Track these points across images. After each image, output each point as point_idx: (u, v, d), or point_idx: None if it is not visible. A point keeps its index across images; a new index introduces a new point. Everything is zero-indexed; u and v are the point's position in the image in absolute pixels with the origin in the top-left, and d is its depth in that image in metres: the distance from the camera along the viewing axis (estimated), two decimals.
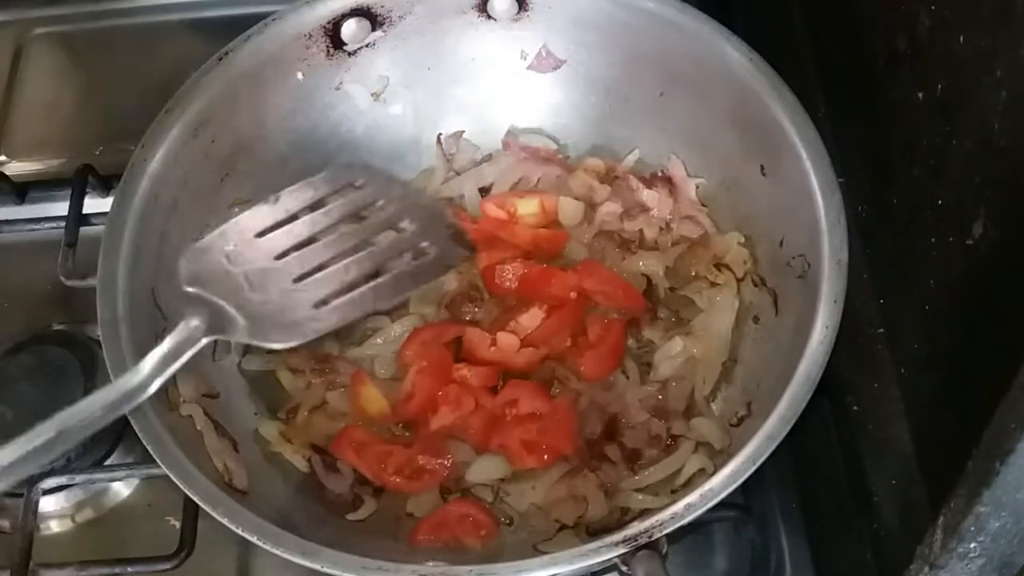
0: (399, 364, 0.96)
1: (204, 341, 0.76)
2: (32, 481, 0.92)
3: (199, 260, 0.80)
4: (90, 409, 0.71)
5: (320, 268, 0.81)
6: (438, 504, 0.90)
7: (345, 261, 0.81)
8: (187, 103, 0.92)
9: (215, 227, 0.81)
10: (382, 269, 0.82)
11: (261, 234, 0.81)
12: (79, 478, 0.94)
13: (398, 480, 0.90)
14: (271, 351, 0.96)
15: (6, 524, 0.97)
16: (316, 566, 0.75)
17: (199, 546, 0.87)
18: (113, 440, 0.99)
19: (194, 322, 0.76)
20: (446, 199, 1.05)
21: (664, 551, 0.74)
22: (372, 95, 1.03)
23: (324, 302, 0.80)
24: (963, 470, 0.52)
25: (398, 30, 1.00)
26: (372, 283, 0.81)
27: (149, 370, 0.74)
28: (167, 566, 0.86)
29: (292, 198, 0.83)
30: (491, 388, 0.93)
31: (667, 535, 0.74)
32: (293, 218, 0.82)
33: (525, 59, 1.04)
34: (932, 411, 0.73)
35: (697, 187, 1.00)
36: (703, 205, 1.00)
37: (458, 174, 1.06)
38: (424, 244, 0.82)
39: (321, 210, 0.83)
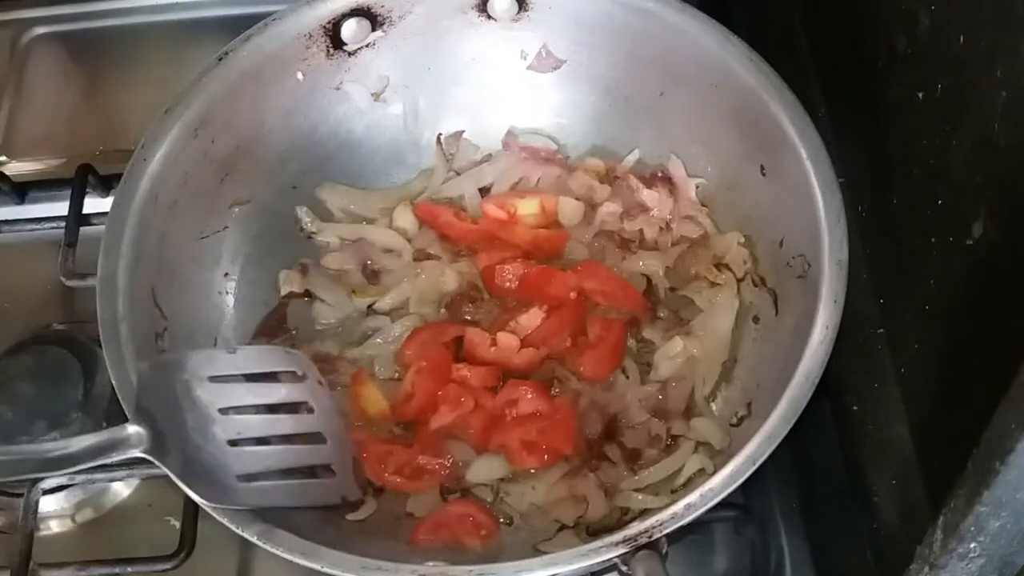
0: (399, 364, 0.96)
1: (137, 454, 0.75)
2: (32, 481, 0.92)
3: (155, 378, 0.80)
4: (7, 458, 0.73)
5: (251, 441, 0.82)
6: (438, 504, 0.90)
7: (273, 447, 0.83)
8: (187, 103, 0.92)
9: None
10: (293, 471, 0.84)
11: (213, 380, 0.82)
12: (79, 478, 0.94)
13: (398, 480, 0.90)
14: None
15: (6, 524, 0.97)
16: (316, 566, 0.74)
17: (199, 546, 0.87)
18: None
19: (137, 431, 0.76)
20: (446, 199, 1.05)
21: (664, 551, 0.74)
22: (372, 95, 1.03)
23: (248, 477, 0.80)
24: (963, 470, 0.51)
25: (398, 30, 1.00)
26: (283, 481, 0.82)
27: (76, 450, 0.74)
28: (167, 566, 0.86)
29: (248, 359, 0.85)
30: (491, 388, 0.93)
31: (667, 535, 0.74)
32: (244, 379, 0.84)
33: (525, 59, 1.04)
34: (932, 411, 0.73)
35: (697, 187, 1.00)
36: (703, 205, 1.00)
37: (458, 174, 1.06)
38: (329, 466, 0.86)
39: (266, 385, 0.84)
